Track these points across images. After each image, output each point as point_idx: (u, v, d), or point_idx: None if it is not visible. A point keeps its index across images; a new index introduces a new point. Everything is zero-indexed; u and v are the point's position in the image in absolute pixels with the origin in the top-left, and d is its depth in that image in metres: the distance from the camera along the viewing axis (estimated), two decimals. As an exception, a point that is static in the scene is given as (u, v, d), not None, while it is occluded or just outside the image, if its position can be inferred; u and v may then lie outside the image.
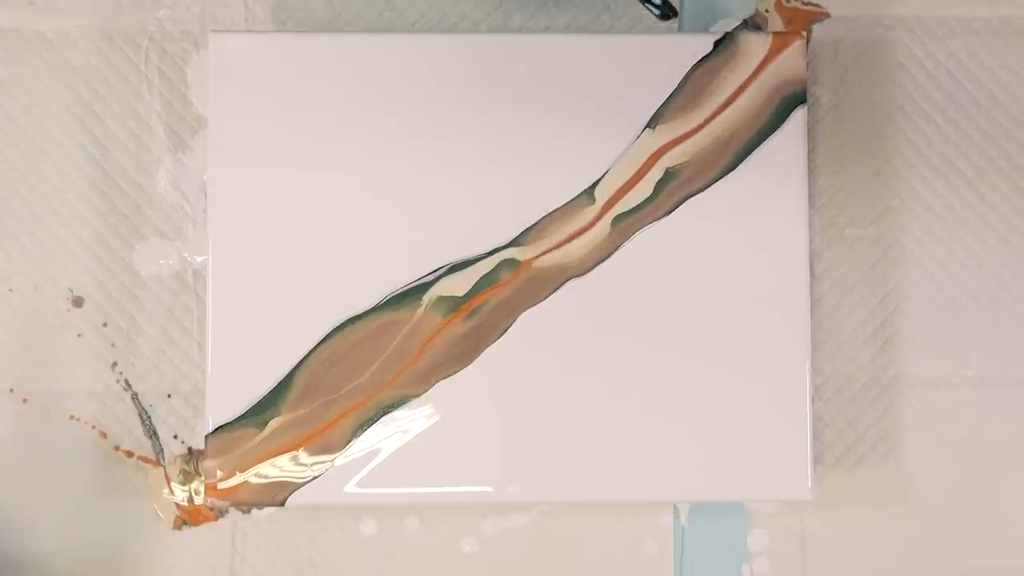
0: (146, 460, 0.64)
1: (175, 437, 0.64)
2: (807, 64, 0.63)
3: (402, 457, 0.61)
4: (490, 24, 0.66)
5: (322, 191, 0.62)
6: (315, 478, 0.61)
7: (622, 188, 0.62)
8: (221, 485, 0.61)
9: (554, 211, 0.62)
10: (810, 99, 0.64)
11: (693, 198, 0.62)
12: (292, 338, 0.61)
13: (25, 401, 0.64)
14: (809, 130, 0.64)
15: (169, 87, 0.65)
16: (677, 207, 0.62)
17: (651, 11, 0.55)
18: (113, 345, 0.64)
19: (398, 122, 0.62)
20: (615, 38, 0.63)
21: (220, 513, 0.64)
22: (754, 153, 0.63)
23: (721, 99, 0.63)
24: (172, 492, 0.64)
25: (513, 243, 0.62)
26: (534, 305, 0.62)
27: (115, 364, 0.64)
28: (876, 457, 0.65)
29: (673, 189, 0.62)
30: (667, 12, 0.56)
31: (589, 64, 0.62)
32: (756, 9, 0.66)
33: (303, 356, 0.61)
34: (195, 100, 0.65)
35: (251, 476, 0.61)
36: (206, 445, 0.61)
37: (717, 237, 0.62)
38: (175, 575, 0.64)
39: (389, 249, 0.62)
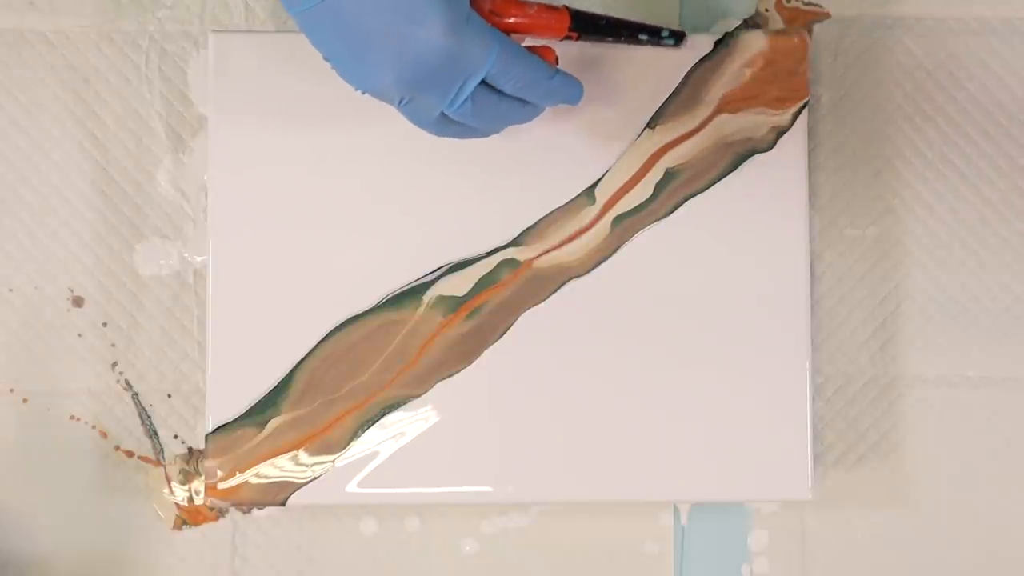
0: (146, 460, 0.64)
1: (175, 437, 0.64)
2: (807, 64, 0.63)
3: (402, 457, 0.61)
4: (490, 24, 0.66)
5: (322, 191, 0.62)
6: (315, 478, 0.61)
7: (622, 188, 0.62)
8: (221, 485, 0.61)
9: (554, 211, 0.62)
10: (810, 99, 0.64)
11: (693, 199, 0.62)
12: (292, 338, 0.61)
13: (25, 401, 0.64)
14: (809, 130, 0.64)
15: (169, 87, 0.65)
16: (677, 207, 0.62)
17: (667, 46, 0.61)
18: (113, 345, 0.64)
19: (398, 121, 0.62)
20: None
21: (220, 513, 0.64)
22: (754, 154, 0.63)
23: (721, 99, 0.63)
24: (172, 492, 0.64)
25: (513, 243, 0.62)
26: (534, 305, 0.62)
27: (115, 364, 0.64)
28: (876, 457, 0.65)
29: (673, 189, 0.62)
30: (680, 39, 0.61)
31: (589, 65, 0.62)
32: (756, 9, 0.66)
33: (303, 356, 0.61)
34: (195, 100, 0.65)
35: (251, 476, 0.61)
36: (206, 445, 0.61)
37: (717, 237, 0.62)
38: (175, 575, 0.64)
39: (389, 249, 0.62)
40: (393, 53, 0.50)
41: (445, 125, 0.54)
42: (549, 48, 0.55)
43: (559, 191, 0.62)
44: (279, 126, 0.62)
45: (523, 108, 0.55)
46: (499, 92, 0.53)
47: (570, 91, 0.56)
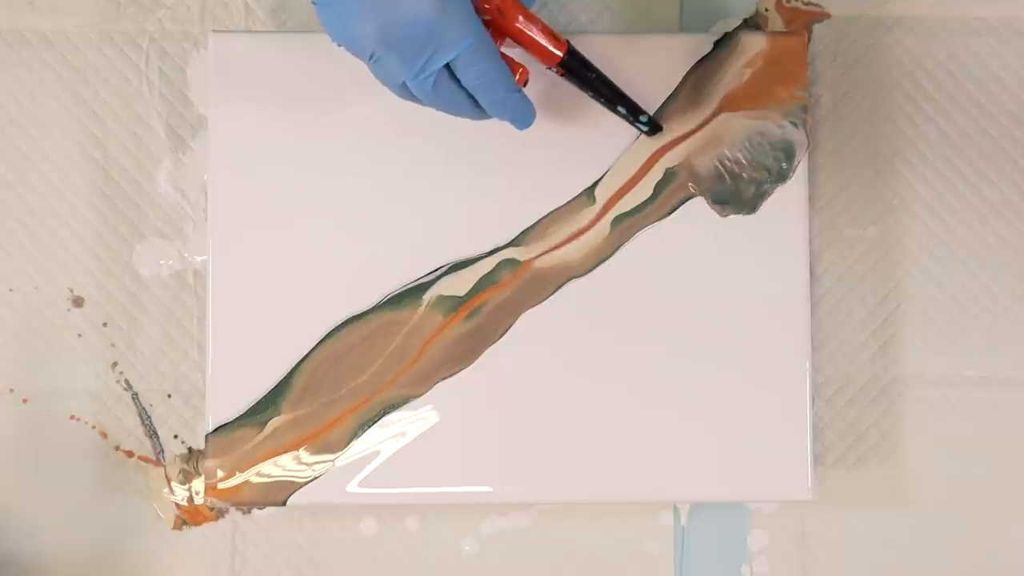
0: (146, 460, 0.64)
1: (175, 437, 0.64)
2: (807, 64, 0.63)
3: (402, 457, 0.61)
4: (490, 24, 0.66)
5: (322, 191, 0.62)
6: (316, 478, 0.61)
7: (622, 188, 0.62)
8: (221, 485, 0.61)
9: (554, 211, 0.62)
10: (810, 99, 0.64)
11: (693, 199, 0.62)
12: (292, 338, 0.61)
13: (25, 401, 0.64)
14: (809, 130, 0.64)
15: (169, 87, 0.65)
16: (677, 208, 0.62)
17: (640, 129, 0.61)
18: (113, 345, 0.64)
19: (398, 122, 0.62)
20: (615, 38, 0.63)
21: (220, 513, 0.64)
22: (754, 153, 0.63)
23: (721, 99, 0.63)
24: (172, 492, 0.64)
25: (513, 243, 0.62)
26: (535, 305, 0.62)
27: (115, 364, 0.64)
28: (876, 457, 0.65)
29: (673, 189, 0.62)
30: (655, 129, 0.61)
31: (589, 64, 0.62)
32: (756, 9, 0.66)
33: (303, 356, 0.61)
34: (195, 100, 0.65)
35: (251, 476, 0.61)
36: (206, 445, 0.61)
37: (717, 237, 0.62)
38: (175, 575, 0.64)
39: (389, 249, 0.62)
40: (381, 6, 0.51)
41: (406, 92, 0.54)
42: (525, 67, 0.55)
43: (559, 191, 0.62)
44: (279, 126, 0.62)
45: (473, 108, 0.55)
46: (458, 81, 0.53)
47: (521, 113, 0.56)
